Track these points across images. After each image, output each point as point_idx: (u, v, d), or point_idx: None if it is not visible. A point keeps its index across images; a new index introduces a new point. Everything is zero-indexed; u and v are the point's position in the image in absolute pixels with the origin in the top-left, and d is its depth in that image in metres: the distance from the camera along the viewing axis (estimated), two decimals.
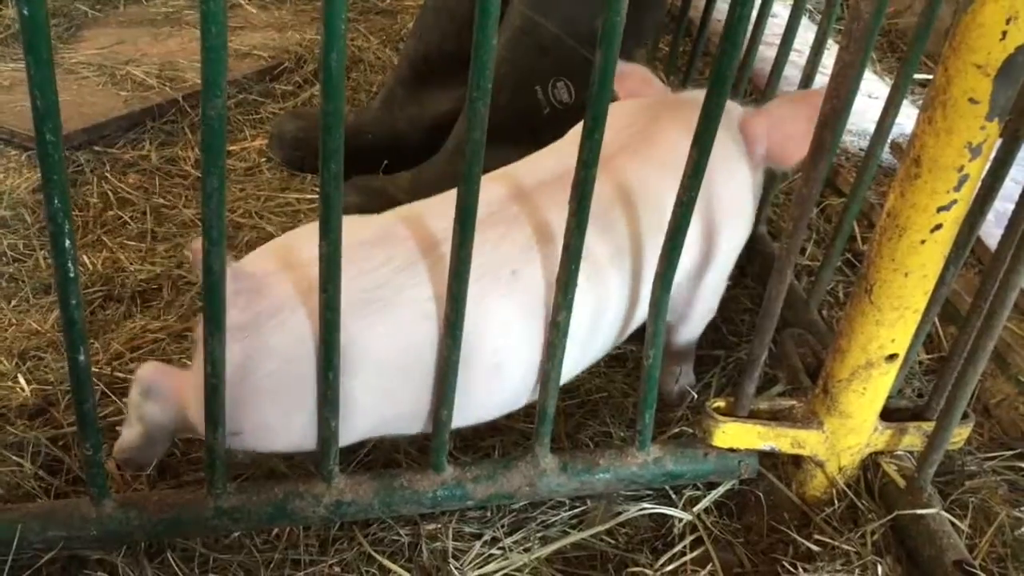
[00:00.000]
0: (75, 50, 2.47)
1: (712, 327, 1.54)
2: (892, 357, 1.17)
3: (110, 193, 1.93)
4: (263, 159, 2.10)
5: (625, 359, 1.60)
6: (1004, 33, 0.93)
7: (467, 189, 0.96)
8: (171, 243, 1.80)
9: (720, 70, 0.98)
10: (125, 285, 1.67)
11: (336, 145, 0.90)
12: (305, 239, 1.13)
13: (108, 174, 1.99)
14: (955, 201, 1.04)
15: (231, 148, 2.14)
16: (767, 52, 1.92)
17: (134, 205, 1.90)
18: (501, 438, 1.41)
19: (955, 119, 0.98)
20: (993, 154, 1.11)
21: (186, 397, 1.16)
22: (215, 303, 0.98)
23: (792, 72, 1.96)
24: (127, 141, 2.12)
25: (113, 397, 1.41)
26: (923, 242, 1.06)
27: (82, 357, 0.99)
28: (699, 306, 1.39)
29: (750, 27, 1.86)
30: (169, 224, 1.86)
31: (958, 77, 0.97)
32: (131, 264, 1.73)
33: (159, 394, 1.20)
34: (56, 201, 0.88)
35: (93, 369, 1.43)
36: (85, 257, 1.73)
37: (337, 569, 1.22)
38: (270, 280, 1.08)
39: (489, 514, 1.29)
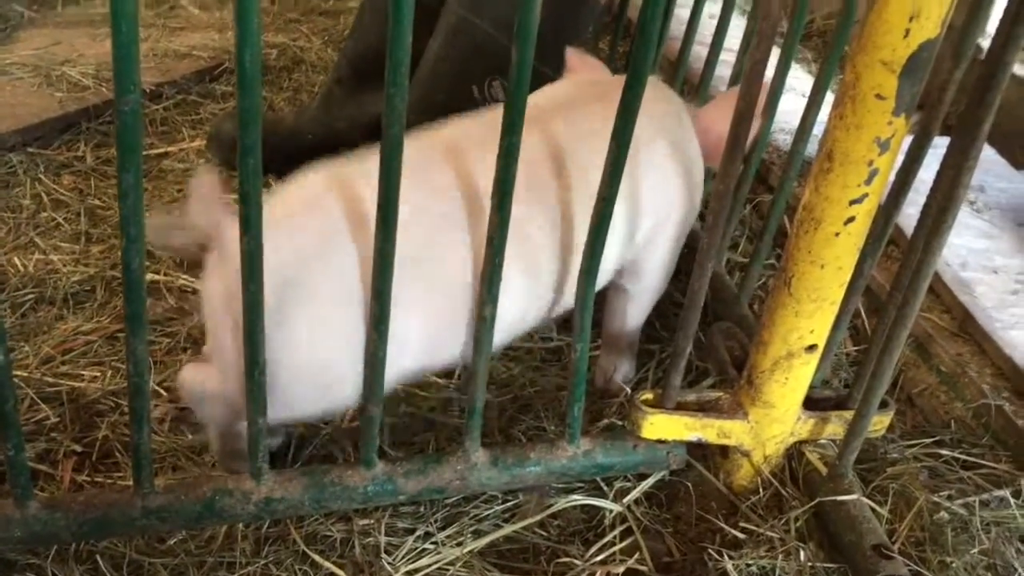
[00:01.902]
0: (10, 51, 2.44)
1: (646, 322, 1.56)
2: (812, 348, 1.20)
3: (44, 195, 1.91)
4: (201, 160, 2.09)
5: (560, 354, 1.61)
6: (907, 31, 0.96)
7: (387, 185, 0.97)
8: (106, 244, 1.79)
9: (635, 66, 1.00)
10: (58, 287, 1.65)
11: (253, 141, 0.90)
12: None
13: (42, 175, 1.97)
14: (866, 194, 1.07)
15: (170, 149, 2.13)
16: (702, 52, 1.95)
17: (68, 207, 1.88)
18: (435, 433, 1.42)
19: (863, 114, 1.01)
20: (906, 149, 1.15)
21: (222, 386, 1.18)
22: (135, 300, 0.97)
23: (725, 72, 2.00)
24: (62, 142, 2.10)
25: (41, 405, 1.40)
26: (837, 235, 1.09)
27: (1, 357, 0.98)
28: (648, 281, 1.44)
29: (682, 26, 1.91)
30: (104, 225, 1.84)
31: (866, 73, 1.00)
32: (64, 266, 1.71)
33: (201, 394, 1.22)
34: None
35: (23, 374, 1.43)
36: (16, 259, 1.71)
37: (272, 568, 1.22)
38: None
39: (422, 509, 1.30)
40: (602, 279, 1.36)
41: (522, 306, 1.24)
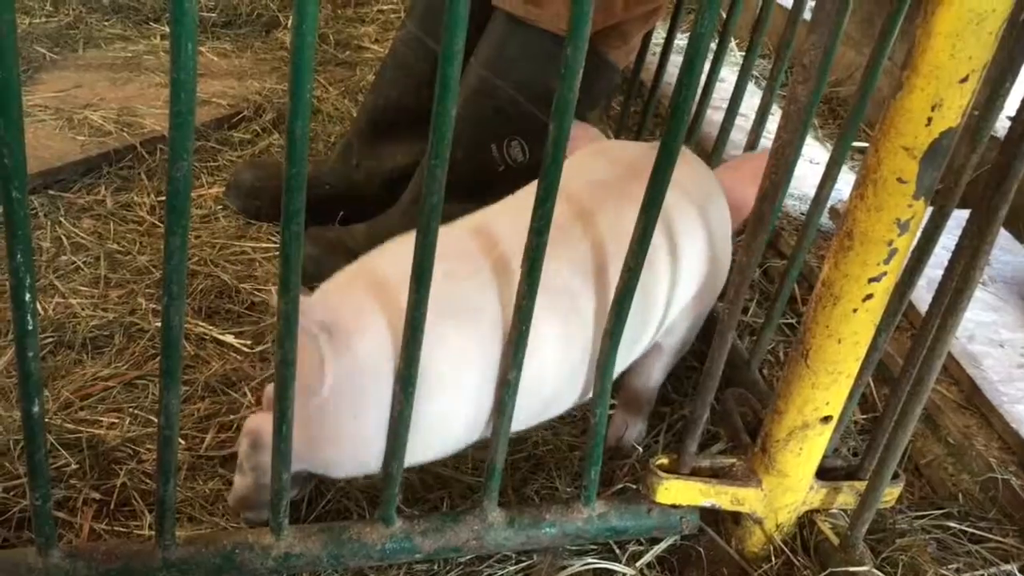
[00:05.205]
0: (32, 93, 2.47)
1: None
2: (827, 419, 1.22)
3: (63, 238, 1.93)
4: (219, 207, 2.12)
5: (572, 412, 1.63)
6: (929, 119, 0.99)
7: (423, 254, 0.99)
8: (124, 289, 1.81)
9: (667, 143, 1.03)
10: (77, 331, 1.67)
11: (298, 207, 0.93)
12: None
13: (62, 218, 1.99)
14: (885, 273, 1.10)
15: None
16: (714, 116, 2.00)
17: (88, 250, 1.91)
18: (448, 491, 1.43)
19: (885, 197, 1.05)
20: (922, 227, 1.18)
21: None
22: (172, 356, 0.99)
23: (738, 136, 2.04)
24: (83, 186, 2.12)
25: (61, 451, 1.40)
26: (855, 311, 1.12)
27: (36, 408, 1.00)
28: (680, 337, 1.47)
29: (698, 92, 1.95)
30: (123, 270, 1.86)
31: (888, 158, 1.03)
32: (83, 310, 1.73)
33: (267, 443, 1.22)
34: (19, 256, 0.90)
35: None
36: (36, 302, 1.72)
37: None
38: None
39: (436, 567, 1.31)
40: (644, 348, 1.39)
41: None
